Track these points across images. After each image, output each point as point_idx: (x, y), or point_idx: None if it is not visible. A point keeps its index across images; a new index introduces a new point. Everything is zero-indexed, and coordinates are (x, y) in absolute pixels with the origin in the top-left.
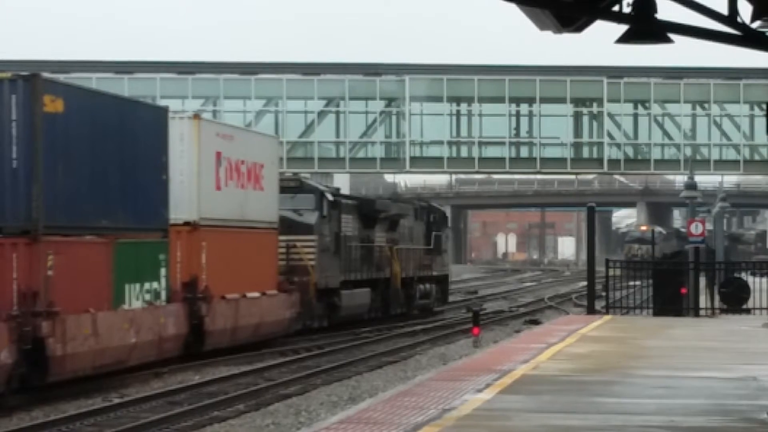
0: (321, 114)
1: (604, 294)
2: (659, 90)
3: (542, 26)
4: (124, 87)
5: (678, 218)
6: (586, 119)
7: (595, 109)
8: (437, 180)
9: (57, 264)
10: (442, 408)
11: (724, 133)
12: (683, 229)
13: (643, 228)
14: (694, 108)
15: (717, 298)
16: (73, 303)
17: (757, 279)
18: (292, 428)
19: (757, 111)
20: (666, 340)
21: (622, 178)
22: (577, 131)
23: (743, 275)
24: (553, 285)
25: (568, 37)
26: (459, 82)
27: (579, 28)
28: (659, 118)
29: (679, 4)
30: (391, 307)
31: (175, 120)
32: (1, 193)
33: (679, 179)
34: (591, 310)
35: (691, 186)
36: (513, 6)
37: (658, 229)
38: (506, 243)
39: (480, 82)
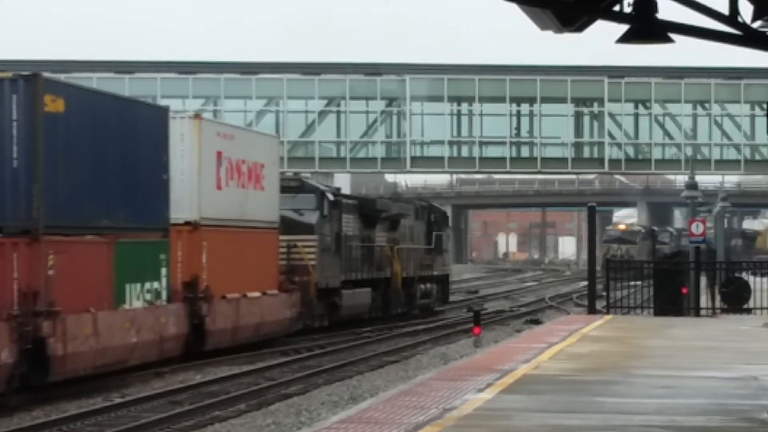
0: (322, 114)
1: (604, 294)
2: (660, 90)
3: (543, 26)
4: (125, 87)
5: (679, 218)
6: (586, 119)
7: (595, 108)
8: (438, 180)
9: (58, 264)
10: (443, 407)
11: (724, 133)
12: (656, 228)
13: (622, 227)
14: (694, 108)
15: (718, 297)
16: (73, 303)
17: (758, 279)
18: (293, 428)
19: (757, 111)
20: (667, 339)
21: (622, 178)
22: (578, 131)
23: (744, 275)
24: (554, 285)
25: (568, 37)
26: (460, 82)
27: (580, 28)
28: (660, 118)
29: (680, 3)
30: (392, 307)
31: (176, 120)
32: (2, 192)
33: (680, 179)
34: (592, 310)
35: (692, 186)
36: (514, 6)
37: (636, 228)
38: (507, 243)
39: (481, 82)
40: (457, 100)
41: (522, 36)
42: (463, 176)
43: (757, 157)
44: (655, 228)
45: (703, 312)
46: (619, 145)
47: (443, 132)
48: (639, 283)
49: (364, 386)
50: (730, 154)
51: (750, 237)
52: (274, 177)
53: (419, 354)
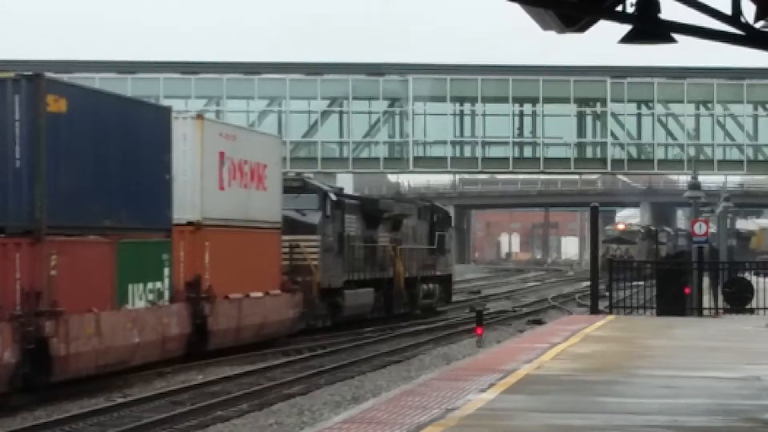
0: (324, 114)
1: (607, 294)
2: (663, 90)
3: (545, 26)
4: (127, 87)
5: (681, 218)
6: (589, 119)
7: (598, 109)
8: (440, 180)
9: (60, 264)
10: (446, 408)
11: (727, 133)
12: (653, 228)
13: (621, 227)
14: (697, 108)
15: (720, 297)
16: (76, 303)
17: (761, 279)
18: (296, 428)
19: (760, 111)
20: (669, 339)
21: (625, 178)
22: (581, 131)
23: (747, 275)
24: (557, 285)
25: (571, 37)
26: (462, 82)
27: (582, 28)
28: (663, 118)
29: (683, 4)
30: (395, 307)
31: (179, 120)
32: (5, 193)
33: (683, 179)
34: (594, 310)
35: (695, 186)
36: (516, 6)
37: (635, 228)
38: (510, 243)
39: (483, 82)
40: (460, 100)
41: (524, 36)
42: (465, 176)
43: (760, 157)
44: (652, 228)
45: (705, 312)
46: (621, 146)
47: (446, 132)
48: (641, 283)
49: (367, 386)
50: (733, 154)
51: (744, 237)
52: (276, 177)
53: (422, 354)
